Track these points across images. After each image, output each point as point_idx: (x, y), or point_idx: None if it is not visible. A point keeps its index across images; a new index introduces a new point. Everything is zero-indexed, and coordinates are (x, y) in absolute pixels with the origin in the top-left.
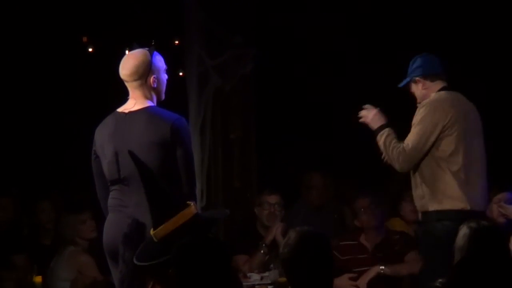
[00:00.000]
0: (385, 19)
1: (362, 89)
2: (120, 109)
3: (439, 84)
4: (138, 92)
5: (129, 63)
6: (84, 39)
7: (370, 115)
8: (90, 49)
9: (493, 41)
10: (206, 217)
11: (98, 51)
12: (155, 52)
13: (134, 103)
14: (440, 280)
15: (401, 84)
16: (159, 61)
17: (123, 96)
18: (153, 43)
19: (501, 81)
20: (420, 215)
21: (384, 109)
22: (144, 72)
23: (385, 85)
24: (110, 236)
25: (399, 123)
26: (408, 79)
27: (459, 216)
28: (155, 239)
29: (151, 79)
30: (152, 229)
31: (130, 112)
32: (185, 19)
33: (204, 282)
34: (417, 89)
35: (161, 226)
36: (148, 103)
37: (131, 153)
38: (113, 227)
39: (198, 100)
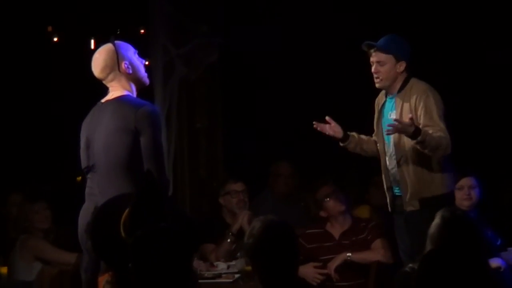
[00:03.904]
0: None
1: (329, 77)
2: (102, 100)
3: (407, 74)
4: (116, 85)
5: (96, 61)
6: (49, 28)
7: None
8: (55, 39)
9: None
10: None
11: (63, 41)
12: (118, 41)
13: (112, 94)
14: (410, 265)
15: (379, 44)
16: (125, 47)
17: (91, 86)
18: (118, 32)
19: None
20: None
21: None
22: (113, 63)
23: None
24: (79, 224)
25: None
26: (391, 51)
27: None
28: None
29: (123, 66)
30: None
31: (106, 101)
32: (150, 8)
33: (163, 273)
34: (393, 68)
35: None
36: (124, 93)
37: None
38: (82, 216)
39: (163, 90)
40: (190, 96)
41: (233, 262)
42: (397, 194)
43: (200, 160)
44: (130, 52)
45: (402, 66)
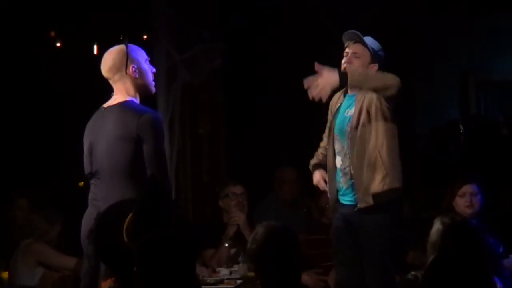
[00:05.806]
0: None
1: None
2: (104, 105)
3: None
4: (120, 87)
5: (106, 60)
6: (52, 34)
7: (323, 78)
8: (58, 44)
9: None
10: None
11: (66, 46)
12: (131, 44)
13: (115, 98)
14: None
15: (362, 39)
16: (137, 51)
17: (93, 91)
18: (121, 37)
19: None
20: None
21: None
22: (122, 64)
23: None
24: (82, 230)
25: None
26: (372, 48)
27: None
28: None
29: (131, 69)
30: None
31: (109, 107)
32: (153, 14)
33: (168, 279)
34: (366, 64)
35: None
36: (127, 98)
37: None
38: (85, 221)
39: (166, 95)
40: (193, 102)
41: (235, 268)
42: (344, 203)
43: (202, 165)
44: (141, 57)
45: (374, 68)
